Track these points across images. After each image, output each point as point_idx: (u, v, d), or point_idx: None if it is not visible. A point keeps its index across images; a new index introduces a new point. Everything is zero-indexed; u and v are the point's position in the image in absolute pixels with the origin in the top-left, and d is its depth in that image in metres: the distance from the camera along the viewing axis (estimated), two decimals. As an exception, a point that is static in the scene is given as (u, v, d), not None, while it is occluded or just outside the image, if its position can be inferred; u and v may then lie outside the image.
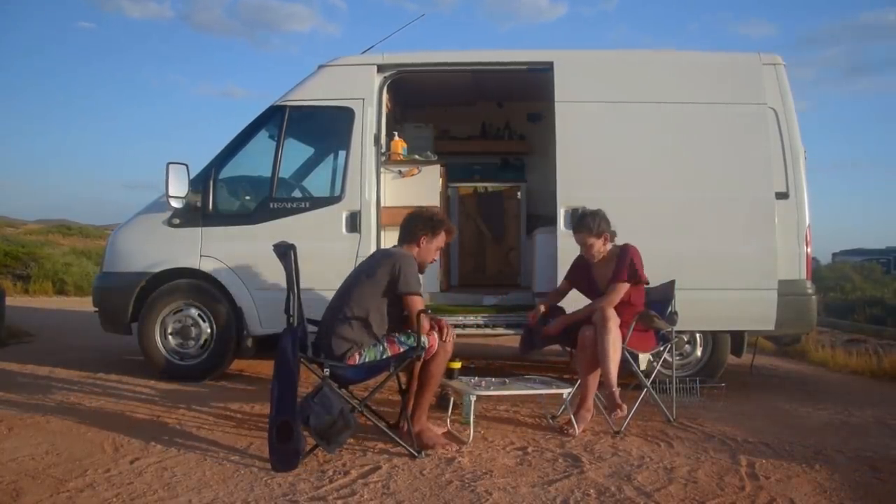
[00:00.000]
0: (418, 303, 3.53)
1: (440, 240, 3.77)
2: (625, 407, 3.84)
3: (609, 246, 4.19)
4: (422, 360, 3.52)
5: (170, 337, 5.16)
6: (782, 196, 5.03)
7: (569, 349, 4.31)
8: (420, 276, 3.70)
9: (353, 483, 3.02)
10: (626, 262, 4.06)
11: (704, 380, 4.97)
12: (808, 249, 5.09)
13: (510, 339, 5.81)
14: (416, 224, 3.73)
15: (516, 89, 6.37)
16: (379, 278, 3.55)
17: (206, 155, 5.34)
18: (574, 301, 4.35)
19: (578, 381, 4.09)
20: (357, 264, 4.29)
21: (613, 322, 3.89)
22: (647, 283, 4.21)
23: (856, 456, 3.60)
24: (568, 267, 4.45)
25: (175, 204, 5.05)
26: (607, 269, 4.16)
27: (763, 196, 4.97)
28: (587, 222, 4.15)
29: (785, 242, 4.99)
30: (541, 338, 4.26)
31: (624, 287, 4.04)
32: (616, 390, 3.85)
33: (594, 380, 4.03)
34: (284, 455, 3.17)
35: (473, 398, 3.67)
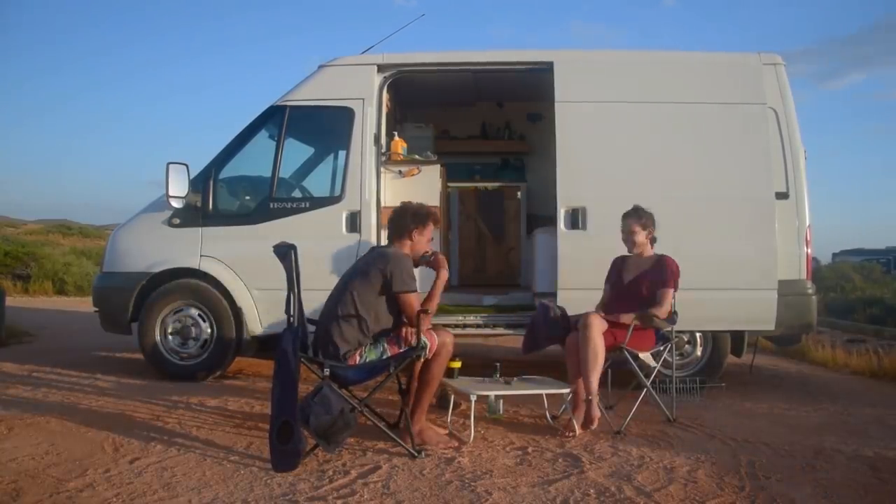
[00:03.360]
0: (414, 301, 3.54)
1: (430, 230, 3.81)
2: (596, 421, 3.87)
3: (650, 245, 4.28)
4: (422, 360, 3.53)
5: (170, 337, 5.16)
6: (782, 196, 5.04)
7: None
8: (416, 270, 3.69)
9: (352, 483, 3.02)
10: (670, 271, 4.15)
11: (704, 380, 4.97)
12: (809, 249, 5.10)
13: (510, 339, 5.81)
14: (404, 219, 3.75)
15: (516, 89, 6.37)
16: (373, 279, 3.55)
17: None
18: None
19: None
20: None
21: (595, 329, 3.92)
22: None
23: (856, 456, 3.60)
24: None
25: (175, 204, 5.06)
26: (637, 269, 4.23)
27: (763, 196, 4.98)
28: (638, 211, 4.28)
29: (785, 242, 4.99)
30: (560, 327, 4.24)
31: (671, 293, 4.13)
32: (593, 398, 3.87)
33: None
34: (285, 455, 3.17)
35: (474, 398, 3.68)
